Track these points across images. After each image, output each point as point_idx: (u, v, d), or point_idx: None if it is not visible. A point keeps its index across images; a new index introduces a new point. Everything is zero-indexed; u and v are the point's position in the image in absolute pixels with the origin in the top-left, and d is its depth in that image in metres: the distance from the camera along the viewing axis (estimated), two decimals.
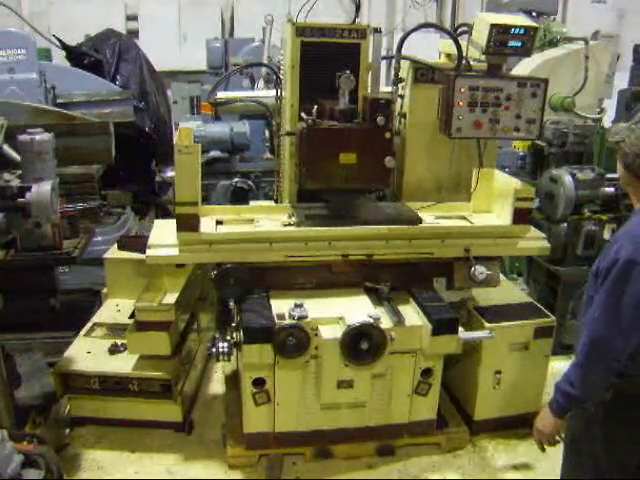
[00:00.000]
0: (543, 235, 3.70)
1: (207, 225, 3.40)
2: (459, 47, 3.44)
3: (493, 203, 3.76)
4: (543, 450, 2.64)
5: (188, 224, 3.21)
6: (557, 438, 2.59)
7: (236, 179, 5.72)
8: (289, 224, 3.46)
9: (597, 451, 2.51)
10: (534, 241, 3.63)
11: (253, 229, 3.45)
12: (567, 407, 2.48)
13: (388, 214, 3.57)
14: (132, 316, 3.62)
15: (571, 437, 2.62)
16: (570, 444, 2.64)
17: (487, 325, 3.57)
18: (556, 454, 2.72)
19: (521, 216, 3.50)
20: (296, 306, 3.15)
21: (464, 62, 3.49)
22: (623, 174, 2.48)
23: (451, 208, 3.83)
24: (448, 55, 3.96)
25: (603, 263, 2.40)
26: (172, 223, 3.28)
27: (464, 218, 3.75)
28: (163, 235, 3.39)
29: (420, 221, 3.47)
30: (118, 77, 6.28)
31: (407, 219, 3.49)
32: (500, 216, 3.67)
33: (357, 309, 3.25)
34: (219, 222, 3.54)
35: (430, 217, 3.65)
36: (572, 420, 2.54)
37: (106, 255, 4.33)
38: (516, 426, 3.84)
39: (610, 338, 2.34)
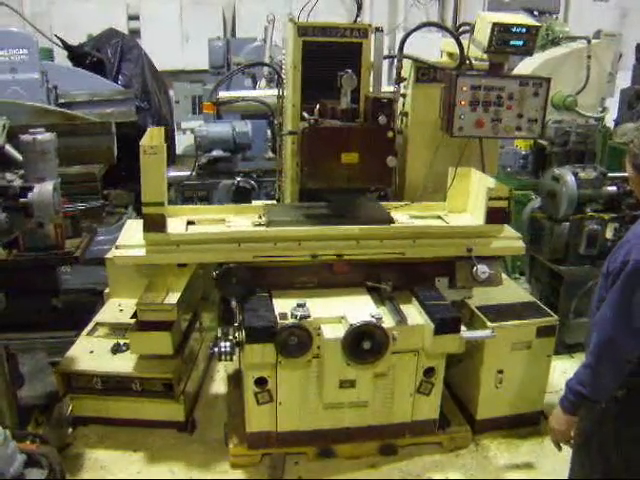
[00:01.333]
0: (518, 235, 3.61)
1: (177, 225, 3.39)
2: (461, 46, 3.44)
3: (468, 202, 3.73)
4: (560, 449, 2.64)
5: (155, 224, 3.18)
6: (572, 435, 2.60)
7: (238, 178, 5.72)
8: (259, 224, 3.45)
9: (607, 449, 2.51)
10: (508, 241, 3.56)
11: (222, 229, 3.43)
12: (578, 406, 2.49)
13: (361, 214, 3.54)
14: (134, 316, 3.62)
15: (582, 435, 2.61)
16: (580, 442, 2.64)
17: (489, 324, 3.57)
18: (558, 454, 2.71)
19: (495, 215, 3.44)
20: (298, 306, 3.14)
21: (466, 61, 3.48)
22: (633, 175, 2.46)
23: (426, 207, 3.79)
24: (450, 54, 3.96)
25: (614, 264, 2.40)
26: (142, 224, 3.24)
27: (439, 217, 3.72)
28: (132, 236, 3.37)
29: (392, 221, 3.46)
30: (120, 77, 6.28)
31: (379, 219, 3.47)
32: (474, 215, 3.63)
33: (359, 308, 3.24)
34: (190, 222, 3.53)
35: (404, 217, 3.63)
36: (583, 418, 2.54)
37: (108, 255, 4.33)
38: (518, 425, 3.84)
39: (621, 338, 2.35)
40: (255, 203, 4.04)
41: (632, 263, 2.29)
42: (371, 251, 3.40)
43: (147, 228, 3.20)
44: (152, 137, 3.38)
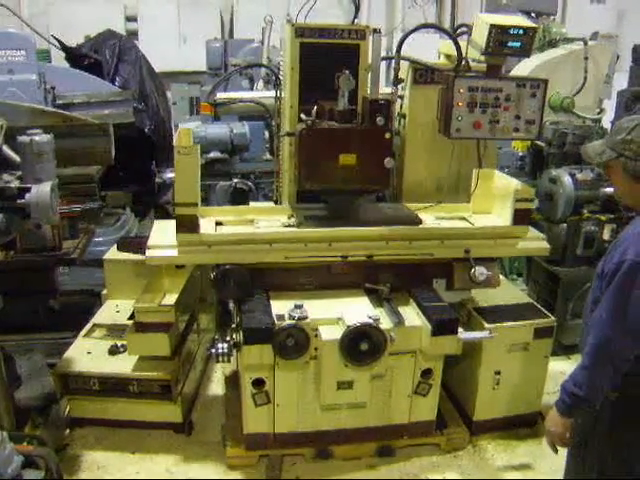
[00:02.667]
0: (542, 235, 3.70)
1: (207, 226, 3.40)
2: (458, 48, 3.44)
3: (493, 204, 3.76)
4: (556, 451, 2.64)
5: (187, 225, 3.21)
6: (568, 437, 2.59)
7: (236, 180, 5.72)
8: (289, 225, 3.46)
9: (603, 451, 2.51)
10: (534, 242, 3.63)
11: (253, 230, 3.45)
12: (574, 407, 2.48)
13: (388, 215, 3.57)
14: (132, 317, 3.62)
15: (577, 437, 2.62)
16: (576, 444, 2.64)
17: (487, 325, 3.57)
18: (556, 455, 2.72)
19: (521, 217, 3.50)
20: (296, 307, 3.15)
21: (463, 63, 3.48)
22: (630, 187, 2.43)
23: (451, 209, 3.83)
24: (447, 56, 3.96)
25: (609, 265, 2.39)
26: (172, 224, 3.27)
27: (464, 219, 3.74)
28: (163, 236, 3.40)
29: (420, 222, 3.48)
30: (117, 78, 6.27)
31: (407, 220, 3.49)
32: (500, 217, 3.67)
33: (357, 310, 3.24)
34: (219, 223, 3.54)
35: (430, 218, 3.66)
36: (578, 420, 2.54)
37: (106, 256, 4.33)
38: (516, 426, 3.85)
39: (617, 340, 2.34)
40: (253, 205, 4.05)
41: (628, 263, 2.29)
42: (400, 252, 3.42)
43: (180, 228, 3.21)
44: (182, 138, 3.39)
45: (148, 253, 3.29)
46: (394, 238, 3.40)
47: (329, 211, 3.56)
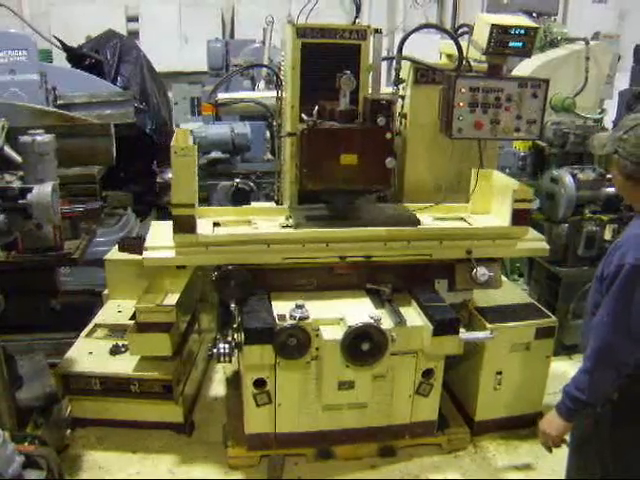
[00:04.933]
0: (542, 236, 3.68)
1: (204, 227, 3.39)
2: (460, 48, 3.44)
3: (492, 204, 3.75)
4: (550, 451, 2.64)
5: (185, 226, 3.19)
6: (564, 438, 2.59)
7: (237, 180, 5.71)
8: (287, 226, 3.45)
9: (604, 452, 2.51)
10: (533, 242, 3.61)
11: (250, 231, 3.44)
12: (576, 411, 2.48)
13: (386, 216, 3.56)
14: (133, 317, 3.63)
15: (578, 438, 2.61)
16: (577, 445, 2.63)
17: (488, 326, 3.57)
18: (557, 455, 2.72)
19: (520, 217, 3.48)
20: (297, 307, 3.14)
21: (464, 63, 3.49)
22: (623, 183, 2.44)
23: (450, 209, 3.81)
24: (449, 56, 3.96)
25: (609, 268, 2.38)
26: (169, 225, 3.25)
27: (463, 219, 3.73)
28: (160, 237, 3.38)
29: (419, 223, 3.47)
30: (119, 78, 6.28)
31: (406, 220, 3.49)
32: (499, 217, 3.66)
33: (358, 310, 3.24)
34: (216, 224, 3.53)
35: (429, 218, 3.64)
36: (579, 421, 2.54)
37: (107, 256, 4.33)
38: (517, 427, 3.84)
39: (619, 344, 2.34)
40: (252, 205, 4.05)
41: (628, 267, 2.28)
42: (398, 252, 3.41)
43: (177, 229, 3.20)
44: (179, 138, 3.38)
45: (145, 254, 3.28)
46: (392, 239, 3.38)
47: (328, 211, 3.56)
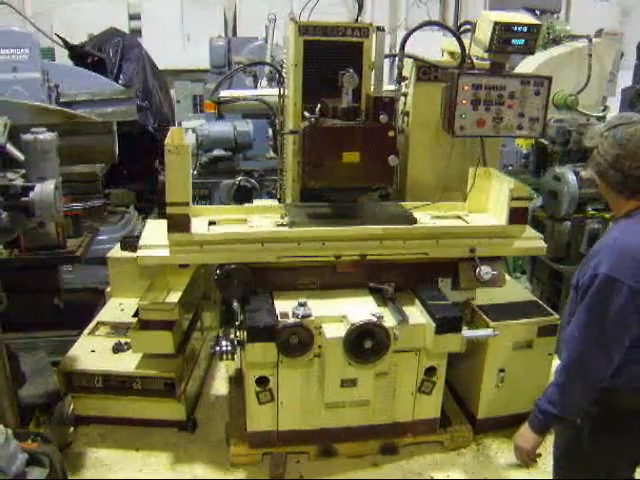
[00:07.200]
0: (539, 235, 3.65)
1: (199, 225, 3.37)
2: (462, 45, 3.43)
3: (489, 203, 3.73)
4: (527, 466, 2.61)
5: (179, 225, 3.18)
6: (537, 453, 2.55)
7: (239, 178, 5.71)
8: (282, 224, 3.45)
9: (587, 464, 2.48)
10: (530, 241, 3.58)
11: (245, 229, 3.42)
12: (548, 425, 2.46)
13: (382, 214, 3.54)
14: (136, 315, 3.63)
15: (560, 453, 2.59)
16: (559, 457, 2.61)
17: (491, 323, 3.57)
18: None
19: (517, 216, 3.45)
20: (300, 305, 3.14)
21: (467, 60, 3.48)
22: (599, 182, 2.40)
23: (447, 208, 3.78)
24: (451, 53, 3.95)
25: (583, 278, 2.33)
26: (164, 223, 3.23)
27: (460, 218, 3.71)
28: (155, 236, 3.37)
29: (415, 221, 3.46)
30: (121, 76, 6.29)
31: (401, 219, 3.47)
32: (496, 216, 3.63)
33: (361, 308, 3.24)
34: (212, 222, 3.51)
35: (425, 217, 3.62)
36: (560, 436, 2.51)
37: (109, 254, 4.33)
38: (520, 424, 3.82)
39: (591, 358, 2.28)
40: (256, 202, 4.04)
41: (601, 277, 2.21)
42: (394, 251, 3.39)
43: (171, 228, 3.19)
44: (173, 137, 3.37)
45: (139, 253, 3.27)
46: (387, 237, 3.36)
47: (328, 209, 3.55)
